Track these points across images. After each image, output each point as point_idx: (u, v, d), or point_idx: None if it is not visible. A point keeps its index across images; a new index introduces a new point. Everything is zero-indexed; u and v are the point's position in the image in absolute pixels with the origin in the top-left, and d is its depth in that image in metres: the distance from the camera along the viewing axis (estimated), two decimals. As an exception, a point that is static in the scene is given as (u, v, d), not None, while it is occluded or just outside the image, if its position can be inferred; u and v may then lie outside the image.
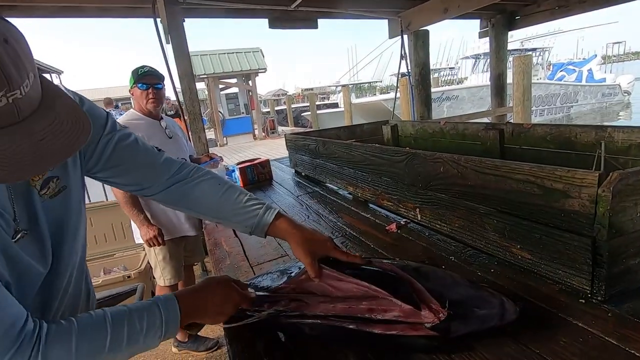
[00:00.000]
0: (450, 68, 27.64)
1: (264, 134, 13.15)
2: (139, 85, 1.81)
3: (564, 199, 0.75)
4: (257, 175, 2.50)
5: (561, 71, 17.31)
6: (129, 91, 1.89)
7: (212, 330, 2.31)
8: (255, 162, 2.54)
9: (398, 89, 5.40)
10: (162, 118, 1.99)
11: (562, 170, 0.74)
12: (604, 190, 0.67)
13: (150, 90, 1.82)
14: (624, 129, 1.38)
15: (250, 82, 12.95)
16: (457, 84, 21.09)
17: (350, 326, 0.70)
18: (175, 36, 2.84)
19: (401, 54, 4.16)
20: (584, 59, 19.38)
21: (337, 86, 29.22)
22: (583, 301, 0.76)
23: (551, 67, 18.77)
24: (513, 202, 0.87)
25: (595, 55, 18.32)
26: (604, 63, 20.78)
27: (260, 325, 0.77)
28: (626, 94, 16.87)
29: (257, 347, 0.77)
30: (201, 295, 0.73)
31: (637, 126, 1.35)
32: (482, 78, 16.68)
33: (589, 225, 0.71)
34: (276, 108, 18.68)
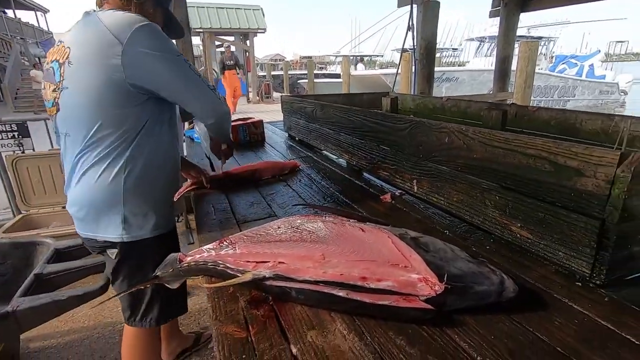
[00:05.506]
0: (453, 49, 27.00)
1: (258, 97, 12.82)
2: None
3: (577, 177, 0.70)
4: (250, 135, 2.41)
5: (563, 63, 17.12)
6: None
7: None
8: (248, 121, 2.44)
9: (400, 65, 5.23)
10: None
11: (580, 147, 0.70)
12: (623, 171, 0.63)
13: None
14: (631, 119, 1.34)
15: (248, 42, 12.45)
16: (458, 66, 20.75)
17: (340, 293, 0.66)
18: (172, -23, 2.62)
19: (408, 25, 3.98)
20: (586, 54, 19.14)
21: (337, 56, 28.40)
22: (579, 284, 0.74)
23: (554, 58, 18.54)
24: (520, 178, 0.83)
25: (599, 51, 18.11)
26: (606, 60, 20.60)
27: (244, 284, 0.73)
28: (623, 94, 16.88)
29: (239, 303, 0.73)
30: None
31: (644, 117, 1.31)
32: (484, 62, 16.40)
33: (600, 207, 0.67)
34: (272, 73, 18.07)
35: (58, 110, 1.05)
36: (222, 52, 10.30)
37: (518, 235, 0.86)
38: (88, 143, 1.02)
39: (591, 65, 16.53)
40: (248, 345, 0.62)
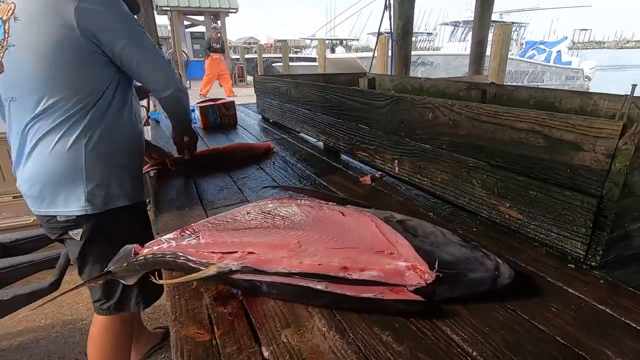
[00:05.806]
0: (428, 33, 27.04)
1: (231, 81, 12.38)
2: None
3: (574, 151, 0.65)
4: (220, 117, 2.26)
5: (532, 49, 17.54)
6: None
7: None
8: (219, 102, 2.29)
9: (376, 48, 5.15)
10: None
11: (578, 118, 0.64)
12: (625, 143, 0.58)
13: None
14: (609, 97, 1.32)
15: (219, 23, 11.92)
16: (433, 50, 20.85)
17: (319, 286, 0.58)
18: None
19: (386, 4, 3.89)
20: (555, 39, 19.66)
21: (312, 39, 27.87)
22: (572, 266, 0.70)
23: (524, 44, 18.94)
24: (510, 155, 0.77)
25: (566, 38, 18.65)
26: (572, 47, 21.28)
27: (209, 278, 0.64)
28: (587, 79, 17.54)
29: (203, 300, 0.64)
30: None
31: (623, 95, 1.29)
32: (458, 47, 16.56)
33: (599, 183, 0.62)
34: (246, 56, 17.45)
35: (2, 71, 0.92)
36: (193, 34, 9.79)
37: (507, 216, 0.81)
38: (42, 109, 0.91)
39: (559, 52, 17.03)
40: (212, 349, 0.53)
